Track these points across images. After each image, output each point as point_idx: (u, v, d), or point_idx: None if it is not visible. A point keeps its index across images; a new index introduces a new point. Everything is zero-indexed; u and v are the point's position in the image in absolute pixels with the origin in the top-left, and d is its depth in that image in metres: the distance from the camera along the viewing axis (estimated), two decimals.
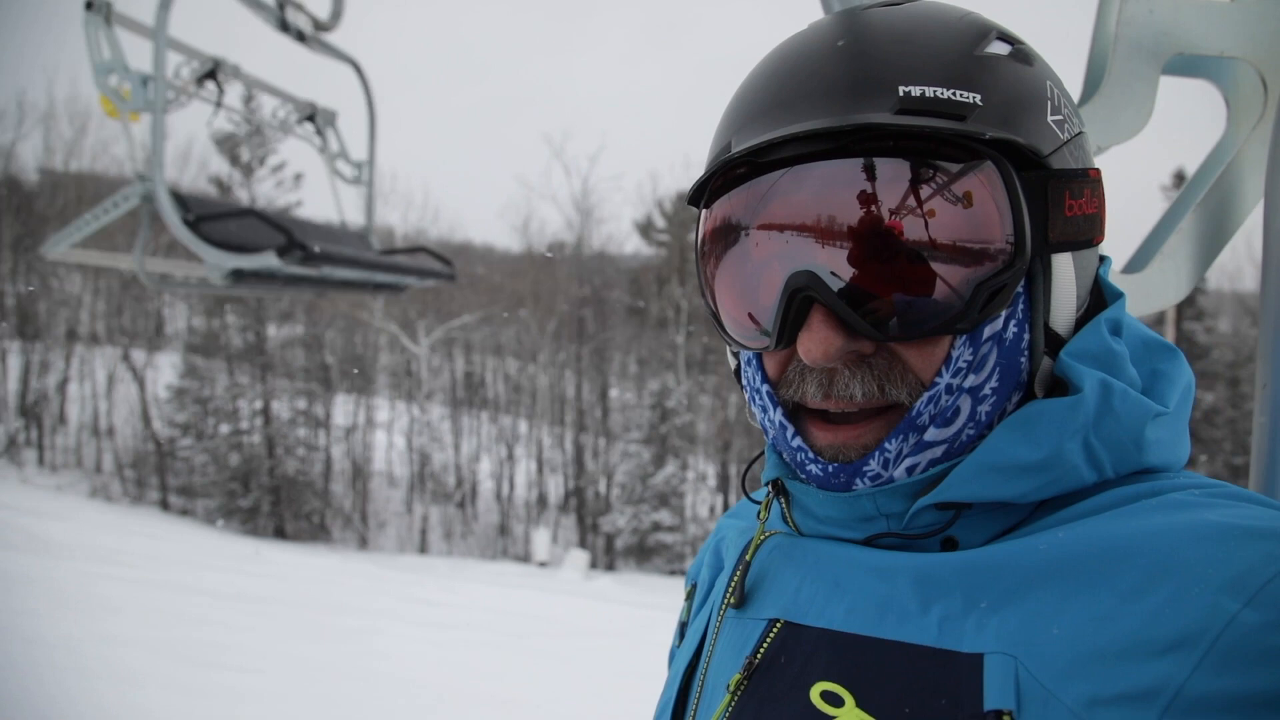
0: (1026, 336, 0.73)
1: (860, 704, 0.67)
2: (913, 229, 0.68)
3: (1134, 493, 0.69)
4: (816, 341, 0.70)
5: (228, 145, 34.93)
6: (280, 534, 31.32)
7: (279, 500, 32.07)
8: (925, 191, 0.68)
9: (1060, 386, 0.73)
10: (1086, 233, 0.74)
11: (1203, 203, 1.28)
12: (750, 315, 0.76)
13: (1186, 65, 1.30)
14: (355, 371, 36.10)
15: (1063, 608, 0.62)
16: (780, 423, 0.77)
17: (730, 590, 0.83)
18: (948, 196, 0.68)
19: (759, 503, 0.90)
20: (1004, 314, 0.71)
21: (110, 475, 33.53)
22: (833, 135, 0.69)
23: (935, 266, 0.68)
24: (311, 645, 8.63)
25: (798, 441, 0.76)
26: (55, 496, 26.16)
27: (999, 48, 0.74)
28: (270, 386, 33.51)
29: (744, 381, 0.83)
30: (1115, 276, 1.27)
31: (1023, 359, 0.73)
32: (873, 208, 0.68)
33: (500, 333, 39.00)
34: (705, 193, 0.78)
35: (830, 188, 0.69)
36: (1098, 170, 0.76)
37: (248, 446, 32.70)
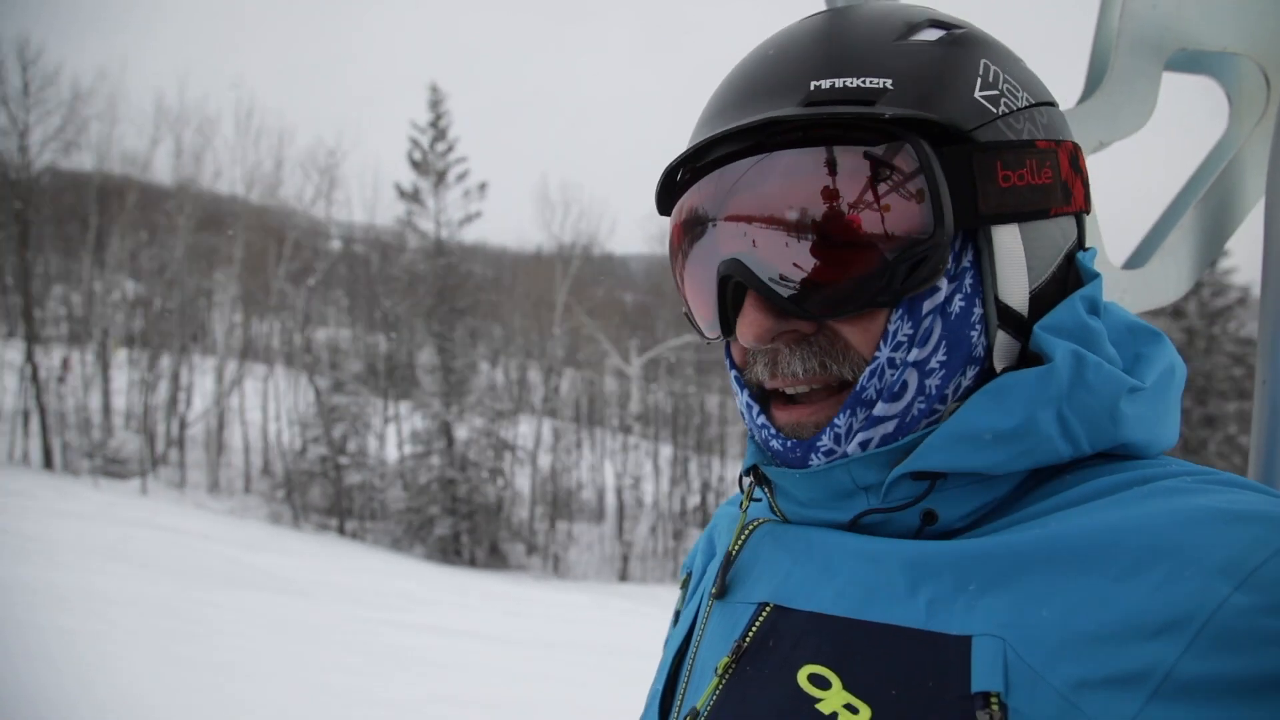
0: (978, 310, 0.74)
1: (847, 686, 0.67)
2: (828, 211, 0.71)
3: (1124, 480, 0.69)
4: (748, 325, 0.75)
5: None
6: (472, 562, 30.89)
7: (474, 527, 31.54)
8: (837, 175, 0.71)
9: (1035, 362, 0.74)
10: (1034, 203, 0.74)
11: (1204, 199, 1.28)
12: (705, 307, 0.81)
13: (1189, 61, 1.30)
14: (552, 391, 35.67)
15: (1052, 591, 0.63)
16: (747, 403, 0.81)
17: (715, 583, 0.84)
18: (857, 177, 0.71)
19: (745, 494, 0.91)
20: (946, 287, 0.73)
21: (261, 494, 32.87)
22: (746, 134, 0.74)
23: (853, 244, 0.71)
24: None
25: (762, 420, 0.80)
26: (252, 526, 25.52)
27: (928, 34, 0.77)
28: (460, 407, 32.83)
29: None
30: (1117, 272, 1.27)
31: (973, 333, 0.74)
32: (786, 195, 0.72)
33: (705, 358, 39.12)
34: (670, 201, 0.84)
35: (749, 180, 0.74)
36: (1054, 141, 0.77)
37: (429, 469, 32.03)
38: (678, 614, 0.98)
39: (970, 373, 0.75)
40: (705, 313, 0.81)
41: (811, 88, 0.72)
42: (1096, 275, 0.79)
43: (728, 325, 0.78)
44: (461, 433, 33.10)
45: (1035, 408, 0.70)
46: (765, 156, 0.73)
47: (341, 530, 31.81)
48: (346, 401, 32.92)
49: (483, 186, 35.82)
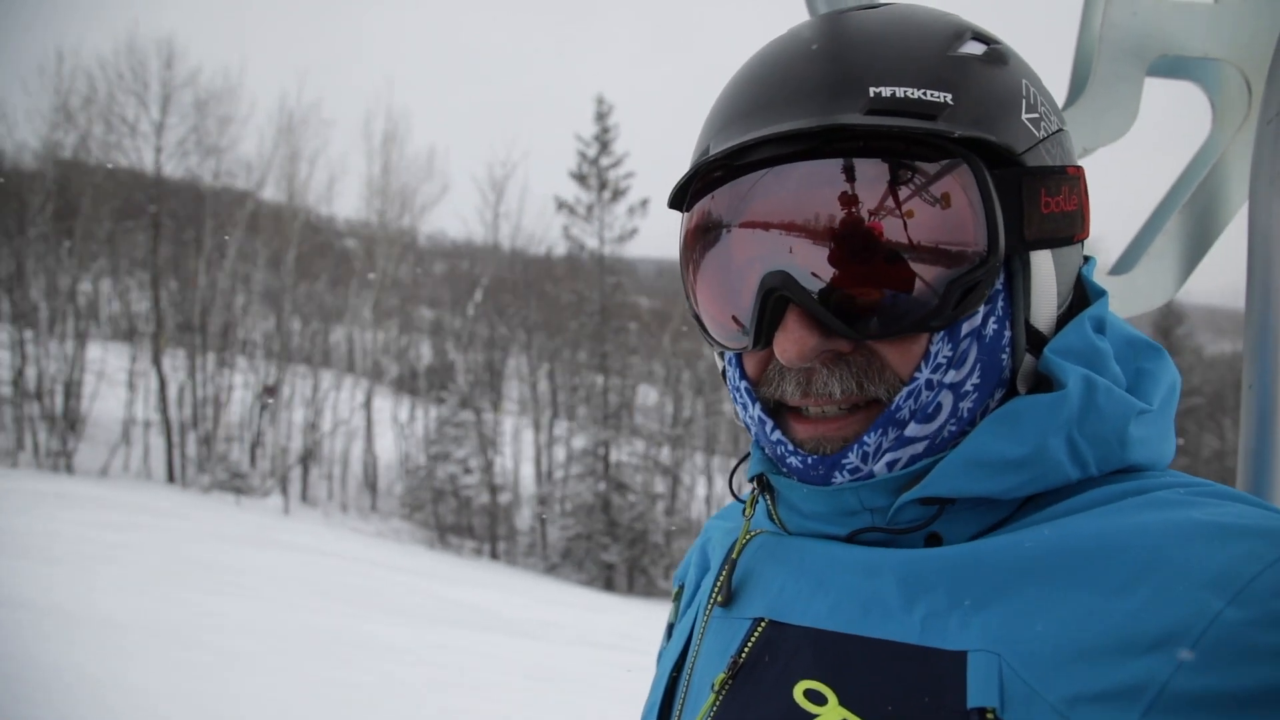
0: (1008, 333, 0.73)
1: (843, 702, 0.66)
2: (886, 228, 0.68)
3: (1119, 490, 0.69)
4: (792, 342, 0.71)
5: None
6: (631, 590, 30.14)
7: (639, 555, 30.64)
8: (897, 191, 0.68)
9: (1044, 383, 0.74)
10: (1066, 230, 0.74)
11: (1189, 204, 1.29)
12: (730, 316, 0.77)
13: (1171, 67, 1.30)
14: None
15: (1047, 605, 0.62)
16: (759, 417, 0.78)
17: (717, 589, 0.83)
18: (920, 195, 0.68)
19: (745, 503, 0.90)
20: (983, 310, 0.71)
21: (389, 512, 32.06)
22: (805, 137, 0.70)
23: (908, 265, 0.69)
24: None
25: (777, 435, 0.77)
26: (420, 552, 24.78)
27: (973, 48, 0.75)
28: (613, 432, 31.91)
29: (727, 380, 0.84)
30: (1103, 278, 1.27)
31: (1004, 356, 0.73)
32: (845, 208, 0.69)
33: None
34: (686, 196, 0.79)
35: (803, 188, 0.70)
36: (1078, 168, 0.76)
37: (590, 494, 31.16)
38: (670, 628, 0.98)
39: (997, 395, 0.74)
40: (726, 322, 0.77)
41: (871, 94, 0.69)
42: (1103, 293, 0.78)
43: (761, 337, 0.73)
44: (622, 456, 32.34)
45: (1047, 435, 0.69)
46: (820, 163, 0.69)
47: (494, 555, 31.23)
48: (473, 420, 32.38)
49: (645, 203, 34.63)
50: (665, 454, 33.38)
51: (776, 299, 0.71)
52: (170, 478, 30.60)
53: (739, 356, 0.79)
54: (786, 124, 0.69)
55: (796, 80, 0.73)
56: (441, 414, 33.46)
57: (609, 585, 29.58)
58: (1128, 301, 1.28)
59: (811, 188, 0.69)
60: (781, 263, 0.71)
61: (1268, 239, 1.12)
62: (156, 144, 32.22)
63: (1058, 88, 1.26)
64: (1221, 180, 1.29)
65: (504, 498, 32.68)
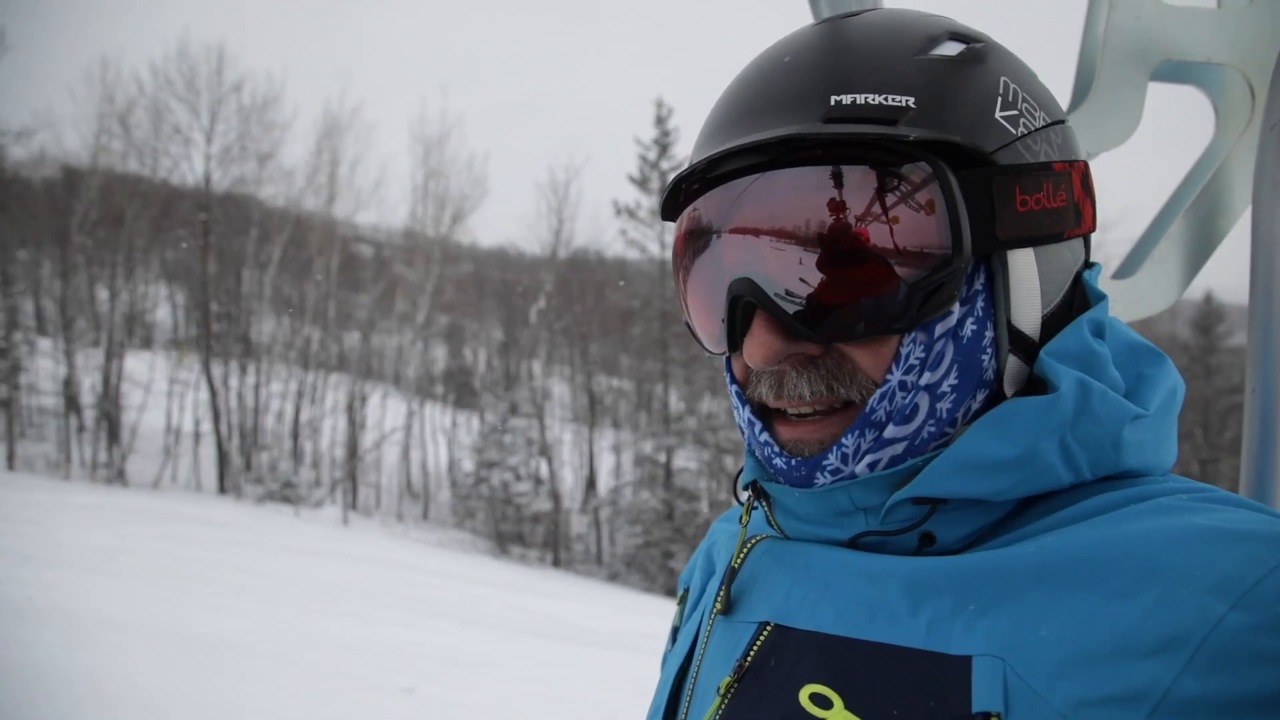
0: (989, 334, 0.73)
1: (849, 706, 0.67)
2: (844, 232, 0.69)
3: (1122, 498, 0.69)
4: (757, 346, 0.73)
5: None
6: None
7: None
8: (854, 196, 0.69)
9: (1040, 386, 0.74)
10: (1050, 227, 0.74)
11: (1192, 208, 1.29)
12: (713, 322, 0.79)
13: (1174, 71, 1.31)
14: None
15: (1051, 610, 0.63)
16: (749, 419, 0.80)
17: (718, 599, 0.83)
18: (878, 199, 0.69)
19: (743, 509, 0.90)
20: (959, 311, 0.72)
21: (439, 521, 31.69)
22: (763, 149, 0.72)
23: (869, 268, 0.70)
24: None
25: (765, 436, 0.78)
26: (487, 562, 24.44)
27: (948, 49, 0.75)
28: (681, 438, 31.32)
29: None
30: (1106, 282, 1.27)
31: (984, 357, 0.73)
32: (803, 215, 0.70)
33: None
34: (675, 207, 0.82)
35: (765, 197, 0.72)
36: (1069, 163, 0.76)
37: (652, 501, 30.79)
38: (675, 631, 0.98)
39: (980, 396, 0.74)
40: (710, 328, 0.79)
41: (832, 102, 0.70)
42: (1103, 296, 0.78)
43: (734, 342, 0.76)
44: (685, 463, 31.97)
45: (1039, 437, 0.70)
46: (781, 173, 0.71)
47: (556, 563, 30.94)
48: (524, 425, 32.01)
49: None
50: (729, 462, 33.33)
51: (744, 305, 0.74)
52: (221, 488, 30.22)
53: (729, 360, 0.82)
54: (752, 136, 0.72)
55: (764, 93, 0.75)
56: (492, 421, 33.25)
57: (671, 594, 29.35)
58: (1131, 306, 1.28)
59: (773, 196, 0.71)
60: (746, 270, 0.73)
61: (1271, 243, 1.12)
62: (206, 150, 32.02)
63: (1061, 92, 1.26)
64: (1225, 185, 1.29)
65: (555, 505, 32.47)
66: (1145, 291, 1.29)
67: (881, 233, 0.69)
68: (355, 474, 33.06)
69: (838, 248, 0.69)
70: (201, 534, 16.10)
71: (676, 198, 0.81)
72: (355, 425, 32.89)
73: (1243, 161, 1.28)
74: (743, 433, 0.83)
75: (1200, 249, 1.30)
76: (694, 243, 0.78)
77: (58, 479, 27.41)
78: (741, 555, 0.84)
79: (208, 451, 31.25)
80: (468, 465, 33.41)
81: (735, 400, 0.82)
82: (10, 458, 28.39)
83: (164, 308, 36.86)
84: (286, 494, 30.19)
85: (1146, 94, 1.27)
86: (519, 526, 31.73)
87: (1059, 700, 0.60)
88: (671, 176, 0.80)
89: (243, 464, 31.45)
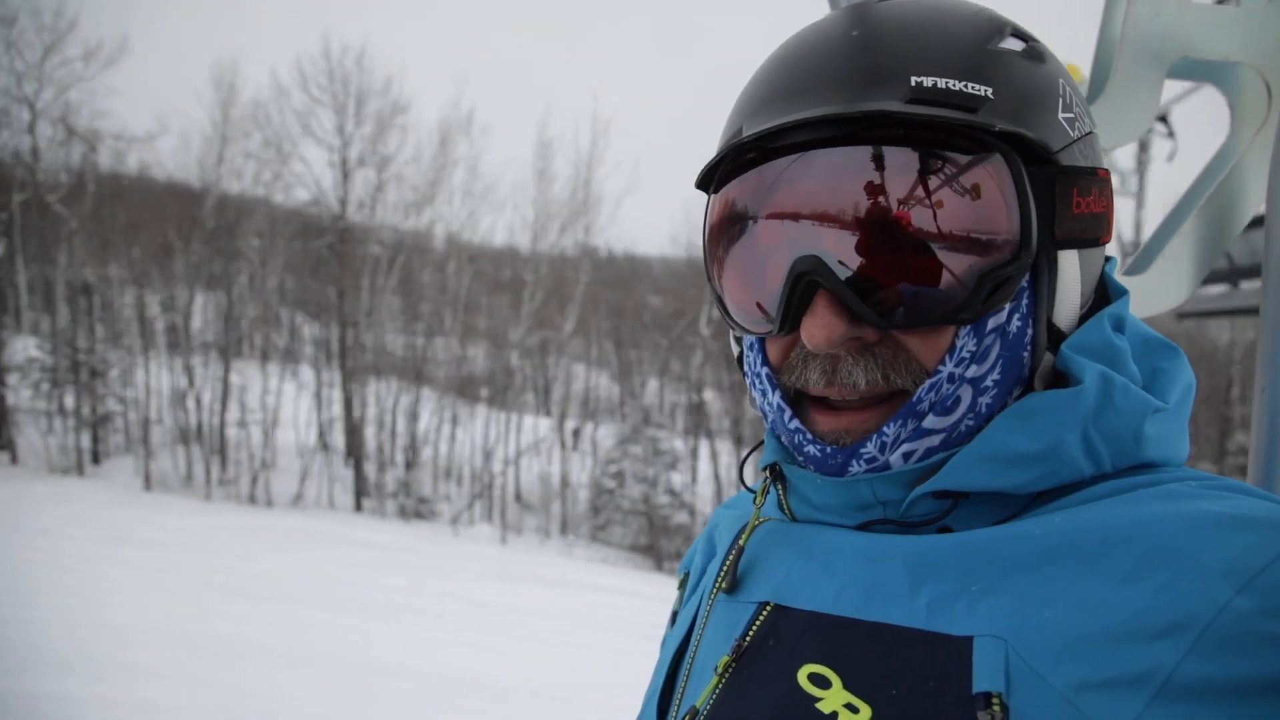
0: (1030, 331, 0.73)
1: (847, 685, 0.67)
2: (920, 218, 0.68)
3: (1130, 483, 0.69)
4: (820, 327, 0.70)
5: None
6: None
7: None
8: (933, 181, 0.68)
9: (1061, 380, 0.74)
10: (1093, 231, 0.74)
11: (1205, 206, 1.29)
12: (754, 301, 0.76)
13: (1191, 69, 1.30)
14: None
15: (1055, 592, 0.63)
16: (779, 405, 0.78)
17: (722, 574, 0.83)
18: (956, 187, 0.68)
19: (756, 492, 0.91)
20: (1008, 307, 0.71)
21: (589, 538, 30.99)
22: (843, 122, 0.69)
23: (941, 256, 0.68)
24: None
25: (795, 424, 0.77)
26: (663, 580, 23.42)
27: (1012, 44, 0.75)
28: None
29: (745, 366, 0.84)
30: (1119, 277, 1.27)
31: (1025, 353, 0.73)
32: (881, 196, 0.68)
33: None
34: (715, 178, 0.79)
35: (839, 174, 0.69)
36: (1107, 171, 0.77)
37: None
38: (675, 614, 0.98)
39: (1016, 392, 0.74)
40: (756, 308, 0.76)
41: (913, 83, 0.69)
42: (1124, 292, 0.79)
43: (787, 322, 0.73)
44: None
45: (1062, 430, 0.70)
46: (860, 149, 0.68)
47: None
48: (659, 435, 31.69)
49: None
50: None
51: (807, 283, 0.71)
52: (358, 505, 29.24)
53: (761, 342, 0.79)
54: (824, 108, 0.69)
55: (835, 65, 0.72)
56: (623, 432, 32.82)
57: None
58: (1142, 302, 1.28)
59: (848, 174, 0.69)
60: (813, 247, 0.70)
61: None
62: (342, 154, 31.11)
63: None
64: (1239, 183, 1.29)
65: (687, 516, 31.90)
66: (1157, 288, 1.29)
67: (957, 221, 0.68)
68: (491, 489, 32.40)
69: (914, 233, 0.68)
70: (387, 559, 15.50)
71: (716, 167, 0.77)
72: (488, 441, 32.27)
73: (1258, 160, 1.28)
74: (765, 416, 0.82)
75: (1213, 247, 1.30)
76: (742, 216, 0.75)
77: (199, 499, 26.69)
78: (747, 534, 0.84)
79: (337, 467, 30.43)
80: (605, 479, 32.90)
81: (764, 384, 0.79)
82: (146, 477, 27.35)
83: (283, 320, 36.01)
84: (420, 510, 29.67)
85: (1162, 91, 1.27)
86: (659, 538, 31.28)
87: (1061, 682, 0.60)
88: (725, 144, 0.76)
89: (377, 480, 30.78)
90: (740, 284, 0.77)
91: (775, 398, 0.78)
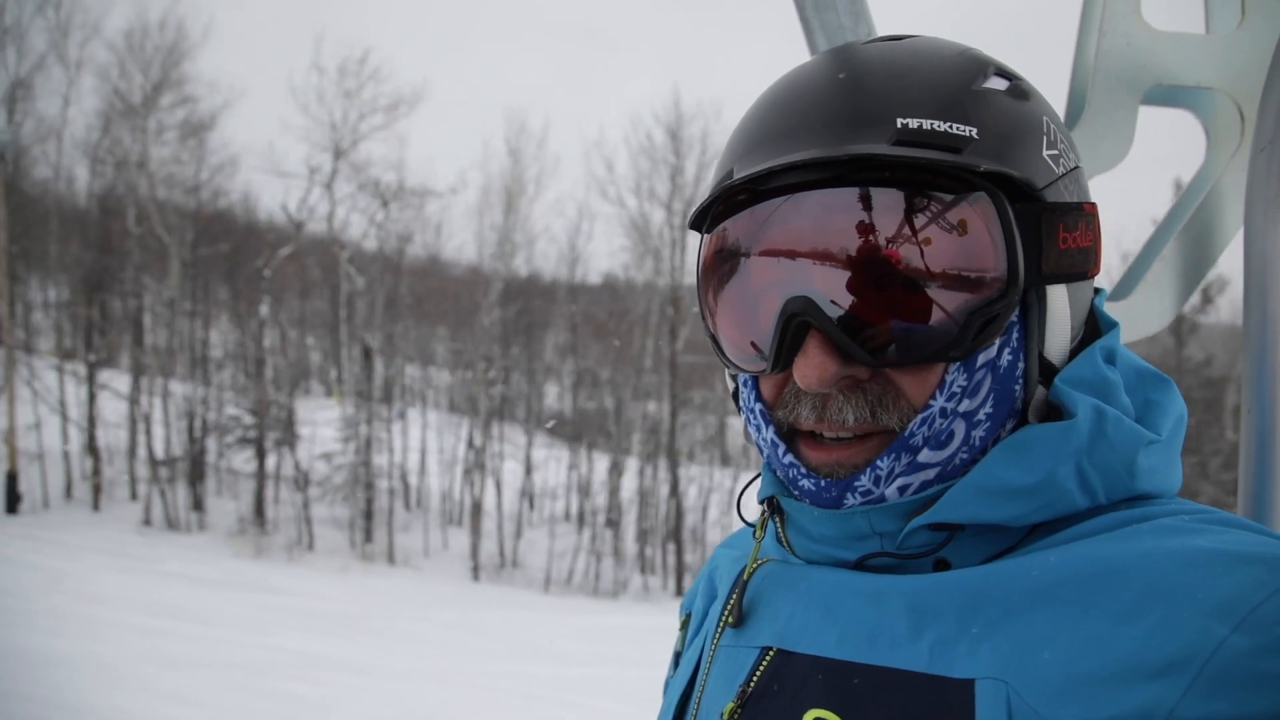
0: (1021, 365, 0.74)
1: None
2: (908, 258, 0.69)
3: (1125, 518, 0.69)
4: (813, 367, 0.71)
5: None
6: None
7: None
8: (920, 221, 0.69)
9: (1055, 413, 0.74)
10: (1080, 265, 0.75)
11: (1184, 230, 1.30)
12: (748, 339, 0.77)
13: (1166, 95, 1.32)
14: None
15: (1054, 631, 0.63)
16: (773, 440, 0.79)
17: (727, 612, 0.83)
18: (943, 226, 0.69)
19: (755, 526, 0.90)
20: (998, 342, 0.72)
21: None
22: (831, 164, 0.70)
23: (930, 295, 0.69)
24: None
25: (789, 458, 0.77)
26: None
27: (996, 83, 0.76)
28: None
29: (739, 401, 0.84)
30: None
31: (1017, 386, 0.74)
32: (869, 236, 0.69)
33: None
34: (707, 218, 0.80)
35: (828, 215, 0.70)
36: (1093, 205, 0.77)
37: None
38: (677, 656, 0.97)
39: (1009, 425, 0.75)
40: (750, 347, 0.77)
41: (899, 125, 0.70)
42: (1114, 324, 0.80)
43: (780, 361, 0.74)
44: None
45: (1056, 463, 0.70)
46: (846, 191, 0.70)
47: None
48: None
49: None
50: None
51: (798, 324, 0.72)
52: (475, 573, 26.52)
53: (755, 379, 0.80)
54: (812, 151, 0.70)
55: (822, 108, 0.73)
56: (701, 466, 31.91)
57: None
58: (1127, 327, 1.29)
59: (837, 216, 0.70)
60: (804, 288, 0.71)
61: (1264, 264, 1.13)
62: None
63: None
64: (1217, 206, 1.30)
65: None
66: (1140, 313, 1.30)
67: (945, 260, 0.69)
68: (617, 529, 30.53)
69: (903, 272, 0.69)
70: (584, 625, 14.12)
71: (709, 208, 0.79)
72: (615, 490, 30.25)
73: (1234, 184, 1.29)
74: (760, 451, 0.82)
75: (1194, 271, 1.31)
76: (734, 256, 0.76)
77: (356, 558, 23.99)
78: (752, 568, 0.83)
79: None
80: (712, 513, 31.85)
81: (758, 419, 0.80)
82: (307, 542, 24.41)
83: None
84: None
85: (1138, 117, 1.29)
86: None
87: None
88: (716, 185, 0.77)
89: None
90: (734, 323, 0.78)
91: (769, 433, 0.79)
